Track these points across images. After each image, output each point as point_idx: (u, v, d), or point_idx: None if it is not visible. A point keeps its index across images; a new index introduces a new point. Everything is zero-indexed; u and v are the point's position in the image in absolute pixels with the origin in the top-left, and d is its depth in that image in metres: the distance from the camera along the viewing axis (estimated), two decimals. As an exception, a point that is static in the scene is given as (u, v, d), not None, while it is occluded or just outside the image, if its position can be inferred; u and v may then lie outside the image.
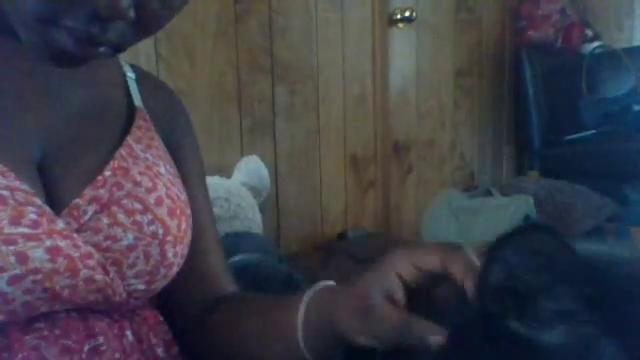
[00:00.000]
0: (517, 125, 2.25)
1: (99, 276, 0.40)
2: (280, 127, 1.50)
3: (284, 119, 1.51)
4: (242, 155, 1.40)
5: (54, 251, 0.37)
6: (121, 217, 0.41)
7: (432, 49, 1.92)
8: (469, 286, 0.33)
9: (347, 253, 1.44)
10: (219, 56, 1.36)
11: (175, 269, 0.46)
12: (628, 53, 2.15)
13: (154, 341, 0.45)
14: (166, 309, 0.50)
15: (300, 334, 0.41)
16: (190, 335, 0.50)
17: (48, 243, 0.37)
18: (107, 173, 0.43)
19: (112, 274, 0.41)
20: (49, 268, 0.37)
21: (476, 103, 2.12)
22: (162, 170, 0.47)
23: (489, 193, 1.87)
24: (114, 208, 0.41)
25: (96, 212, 0.41)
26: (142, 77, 0.53)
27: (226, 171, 1.33)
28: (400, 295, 0.36)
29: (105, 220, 0.41)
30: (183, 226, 0.46)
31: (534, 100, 2.10)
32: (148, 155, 0.46)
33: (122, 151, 0.45)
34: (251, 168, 1.33)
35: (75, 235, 0.39)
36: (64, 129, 0.44)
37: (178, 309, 0.51)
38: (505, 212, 1.70)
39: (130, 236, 0.41)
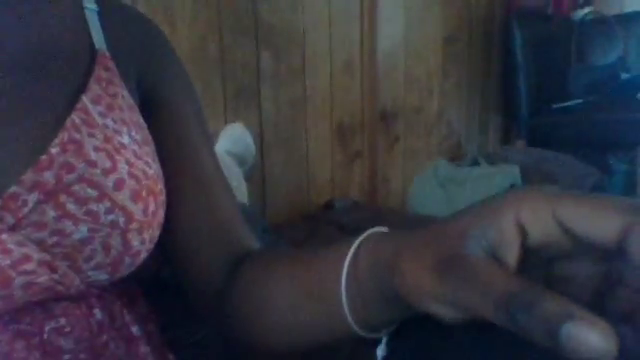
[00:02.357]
0: (505, 93, 2.24)
1: (42, 278, 0.33)
2: (265, 94, 1.46)
3: (269, 85, 1.46)
4: (226, 123, 1.36)
5: None
6: (71, 207, 0.33)
7: (421, 13, 1.87)
8: None
9: (334, 223, 1.43)
10: (200, 18, 1.30)
11: (143, 256, 0.38)
12: (619, 20, 2.13)
13: (128, 318, 0.40)
14: (185, 282, 0.44)
15: (343, 292, 0.30)
16: (214, 307, 0.42)
17: None
18: (54, 150, 0.34)
19: (63, 270, 0.34)
20: None
21: (464, 70, 2.09)
22: (125, 140, 0.38)
23: (476, 162, 1.87)
24: (62, 197, 0.33)
25: (39, 202, 0.33)
26: (107, 8, 0.43)
27: (209, 139, 1.29)
28: (513, 254, 0.22)
29: (51, 212, 0.33)
30: (151, 208, 0.38)
31: (523, 68, 2.08)
32: (108, 121, 0.37)
33: (75, 117, 0.36)
34: (236, 136, 1.29)
35: (5, 236, 0.32)
36: None
37: (198, 279, 0.43)
38: (491, 181, 1.70)
39: (83, 229, 0.34)
